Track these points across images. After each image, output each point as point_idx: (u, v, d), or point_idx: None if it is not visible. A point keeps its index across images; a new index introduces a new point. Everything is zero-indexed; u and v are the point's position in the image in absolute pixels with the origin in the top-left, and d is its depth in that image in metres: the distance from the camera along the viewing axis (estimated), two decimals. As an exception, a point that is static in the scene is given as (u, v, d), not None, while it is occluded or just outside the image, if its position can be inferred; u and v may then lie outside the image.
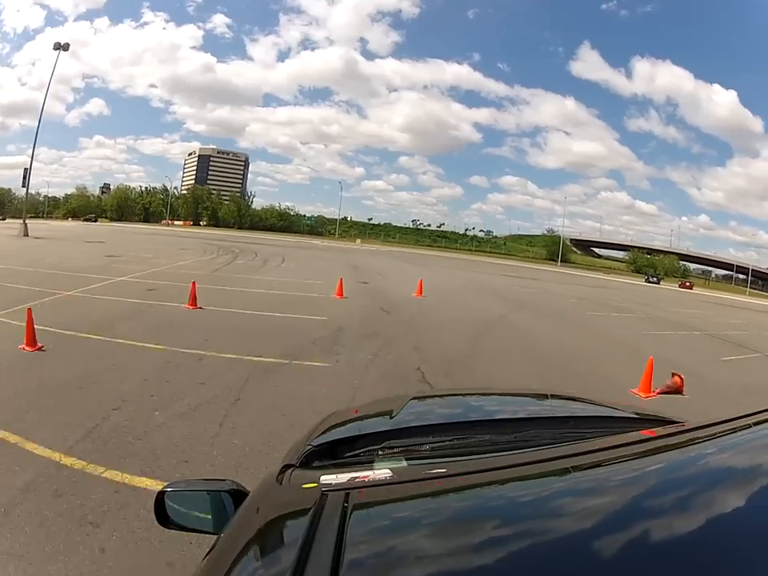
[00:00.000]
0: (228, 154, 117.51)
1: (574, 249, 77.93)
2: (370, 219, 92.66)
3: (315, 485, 0.68)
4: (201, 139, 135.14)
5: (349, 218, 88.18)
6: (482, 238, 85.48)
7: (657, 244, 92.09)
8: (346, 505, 0.57)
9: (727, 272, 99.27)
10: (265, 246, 30.54)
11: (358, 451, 0.92)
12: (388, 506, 0.64)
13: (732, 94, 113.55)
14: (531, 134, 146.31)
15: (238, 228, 68.09)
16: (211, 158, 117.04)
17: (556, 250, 67.67)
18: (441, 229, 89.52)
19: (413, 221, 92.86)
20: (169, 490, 0.92)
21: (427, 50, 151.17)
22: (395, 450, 0.91)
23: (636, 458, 0.70)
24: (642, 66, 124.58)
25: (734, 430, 0.74)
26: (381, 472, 0.73)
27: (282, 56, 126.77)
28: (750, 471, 0.61)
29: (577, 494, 0.60)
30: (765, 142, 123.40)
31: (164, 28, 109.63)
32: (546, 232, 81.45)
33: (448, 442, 0.96)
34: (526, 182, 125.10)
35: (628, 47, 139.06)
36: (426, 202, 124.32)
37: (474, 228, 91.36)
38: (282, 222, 74.19)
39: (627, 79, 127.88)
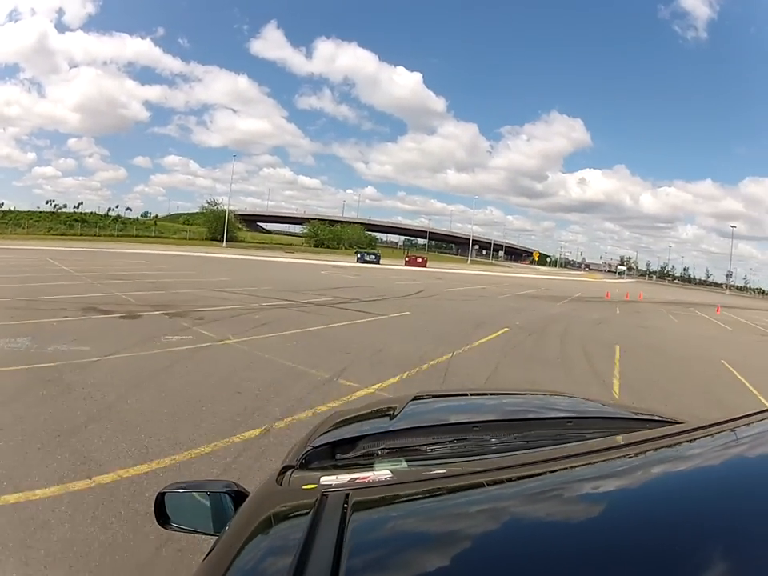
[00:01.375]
0: None
1: (239, 225, 67.60)
2: (0, 205, 65.56)
3: (315, 486, 0.68)
4: None
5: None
6: (128, 219, 68.77)
7: (323, 214, 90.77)
8: (345, 506, 0.57)
9: (408, 237, 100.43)
10: None
11: (358, 452, 0.92)
12: (388, 508, 0.64)
13: (417, 76, 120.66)
14: (198, 112, 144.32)
15: None
16: None
17: (219, 227, 58.37)
18: (79, 211, 66.33)
19: (47, 201, 67.13)
20: (168, 491, 0.91)
21: (118, 23, 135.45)
22: (395, 451, 0.91)
23: (636, 459, 0.70)
24: (325, 47, 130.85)
25: (734, 431, 0.74)
26: (381, 473, 0.73)
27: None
28: (750, 472, 0.61)
29: (577, 494, 0.59)
30: (443, 120, 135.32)
31: None
32: (206, 207, 68.34)
33: (448, 443, 0.96)
34: (188, 161, 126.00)
35: (316, 28, 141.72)
36: (90, 186, 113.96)
37: (116, 207, 72.79)
38: None
39: (306, 59, 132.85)
